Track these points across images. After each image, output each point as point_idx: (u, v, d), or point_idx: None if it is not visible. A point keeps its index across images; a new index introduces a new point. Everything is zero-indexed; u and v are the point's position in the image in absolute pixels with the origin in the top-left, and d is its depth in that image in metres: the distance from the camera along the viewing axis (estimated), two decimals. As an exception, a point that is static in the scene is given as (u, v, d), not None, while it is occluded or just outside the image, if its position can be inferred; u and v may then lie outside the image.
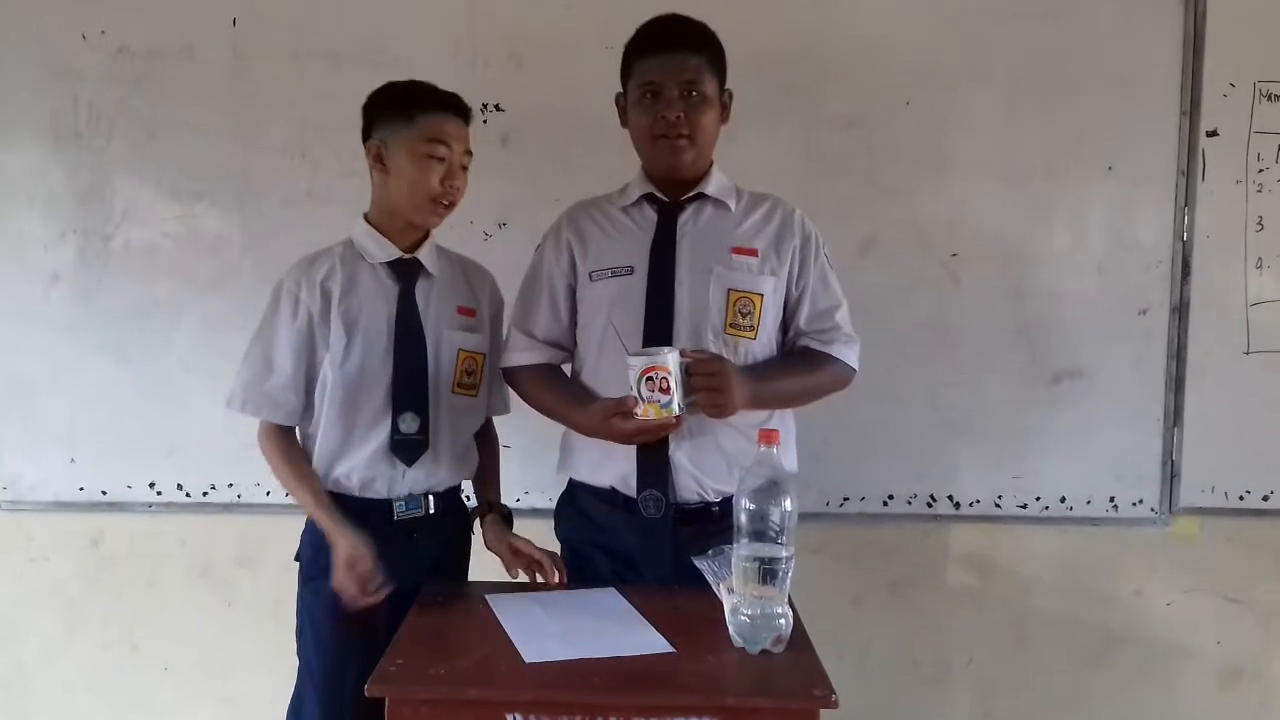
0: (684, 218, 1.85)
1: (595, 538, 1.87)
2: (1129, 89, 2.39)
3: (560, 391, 1.87)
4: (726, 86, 1.83)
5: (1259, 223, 2.42)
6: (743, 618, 1.47)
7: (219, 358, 2.31)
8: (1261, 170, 2.41)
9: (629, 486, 1.80)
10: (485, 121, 2.33)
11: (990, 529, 2.50)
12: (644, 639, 1.52)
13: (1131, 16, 2.38)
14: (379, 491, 1.80)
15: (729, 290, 1.80)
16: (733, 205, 1.87)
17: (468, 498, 1.97)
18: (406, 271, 1.84)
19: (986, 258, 2.41)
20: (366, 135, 1.83)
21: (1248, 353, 2.45)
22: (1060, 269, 2.42)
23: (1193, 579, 2.54)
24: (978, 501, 2.47)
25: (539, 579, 1.81)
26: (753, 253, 1.82)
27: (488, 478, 1.98)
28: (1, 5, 2.36)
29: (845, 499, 2.46)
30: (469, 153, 1.82)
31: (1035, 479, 2.46)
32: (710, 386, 1.67)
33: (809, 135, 2.38)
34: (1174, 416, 2.46)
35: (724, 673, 1.43)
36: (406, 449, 1.80)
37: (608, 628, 1.56)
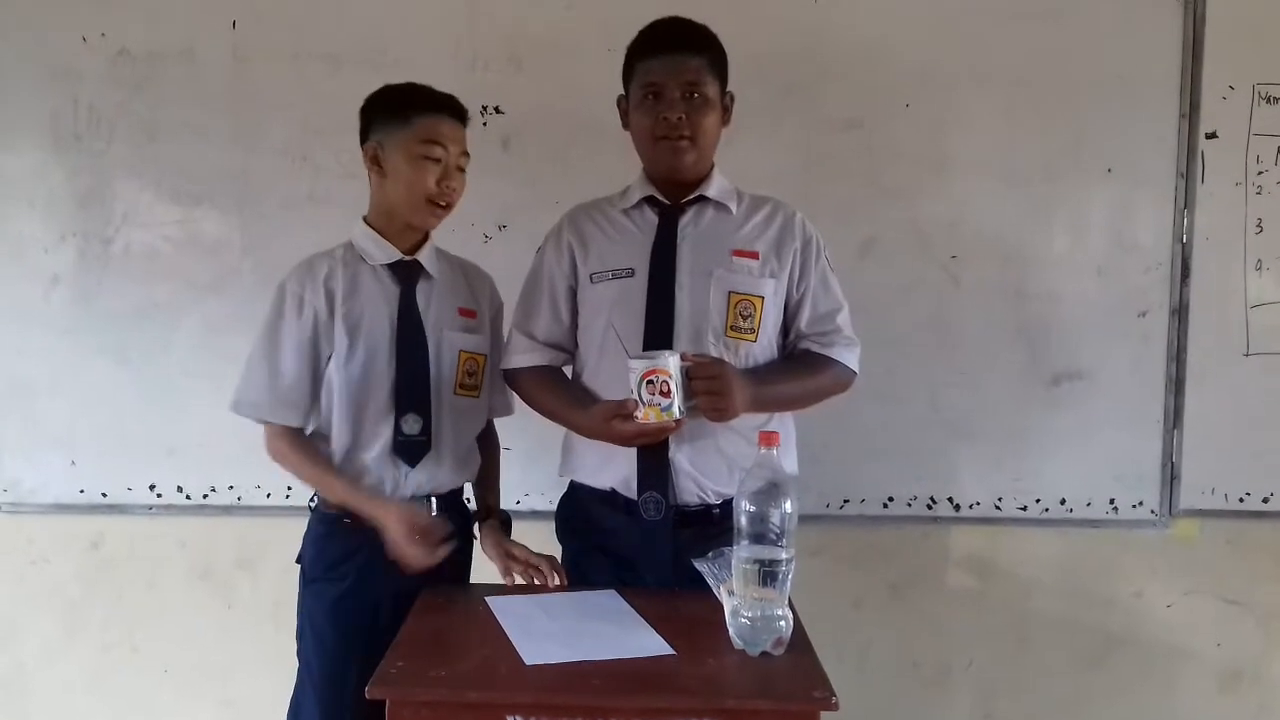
0: (685, 220, 1.85)
1: (596, 540, 1.87)
2: (1128, 91, 2.39)
3: (561, 393, 1.87)
4: (728, 89, 1.83)
5: (1258, 225, 2.42)
6: (743, 620, 1.47)
7: (219, 360, 2.32)
8: (1261, 172, 2.41)
9: (630, 489, 1.80)
10: (485, 124, 2.33)
11: (990, 531, 2.50)
12: (644, 641, 1.52)
13: (1131, 18, 2.39)
14: (383, 494, 1.80)
15: (730, 293, 1.80)
16: (734, 208, 1.87)
17: (468, 500, 1.97)
18: (407, 274, 1.84)
19: (986, 259, 2.42)
20: (364, 138, 1.84)
21: (1247, 355, 2.45)
22: (1060, 271, 2.42)
23: (1193, 581, 2.54)
24: (978, 503, 2.47)
25: (537, 583, 1.81)
26: (753, 255, 1.82)
27: (488, 483, 1.98)
28: (2, 7, 2.36)
29: (845, 501, 2.46)
30: (466, 154, 1.82)
31: (1035, 481, 2.46)
32: (711, 390, 1.67)
33: (809, 137, 2.39)
34: (1174, 418, 2.46)
35: (724, 675, 1.43)
36: (409, 450, 1.80)
37: (608, 630, 1.56)
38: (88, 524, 2.48)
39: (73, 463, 2.44)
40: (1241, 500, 2.47)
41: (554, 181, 2.29)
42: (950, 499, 2.46)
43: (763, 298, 1.81)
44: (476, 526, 1.93)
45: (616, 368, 1.73)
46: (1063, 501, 2.47)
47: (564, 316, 1.89)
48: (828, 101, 2.38)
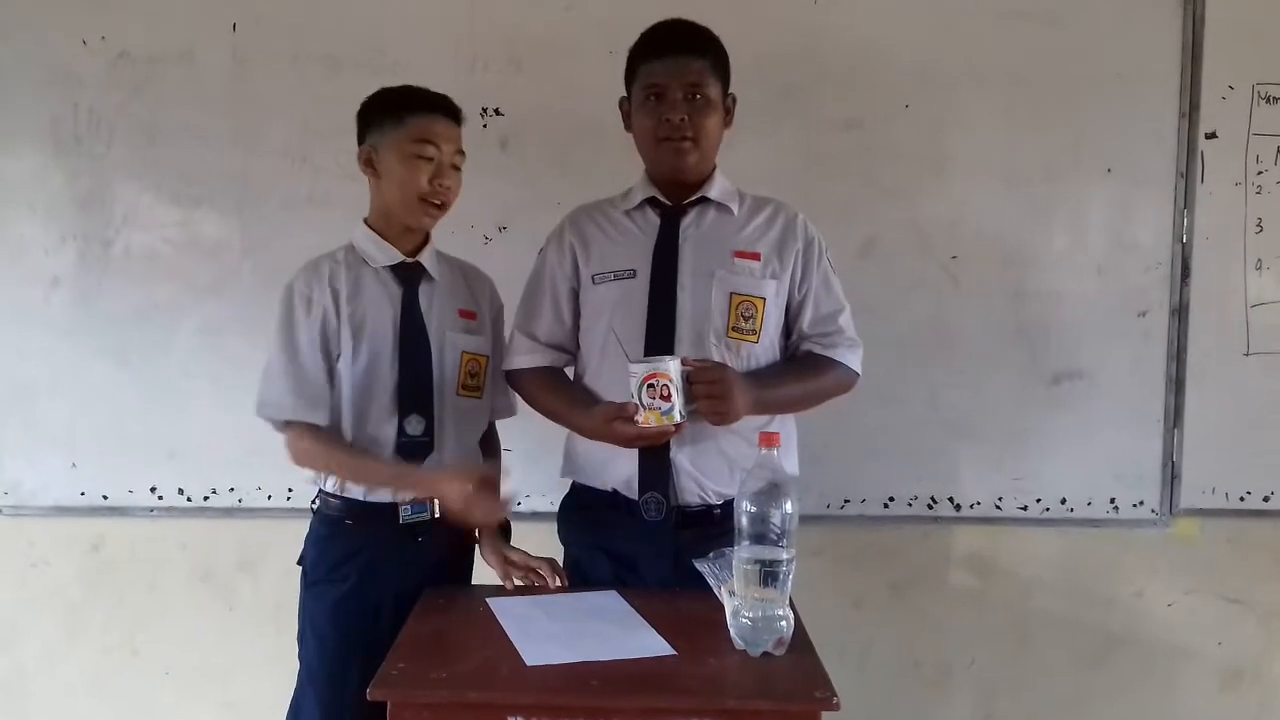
0: (686, 221, 1.85)
1: (597, 540, 1.87)
2: (1128, 91, 2.39)
3: (562, 394, 1.87)
4: (730, 91, 1.84)
5: (1258, 224, 2.42)
6: (744, 620, 1.47)
7: (219, 362, 2.33)
8: (1260, 172, 2.42)
9: (631, 489, 1.80)
10: (485, 125, 2.33)
11: (991, 530, 2.50)
12: (645, 641, 1.52)
13: (1131, 19, 2.39)
14: (385, 495, 1.80)
15: (731, 294, 1.80)
16: (735, 209, 1.87)
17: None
18: (409, 275, 1.84)
19: (986, 259, 2.42)
20: (361, 142, 1.84)
21: (1247, 354, 2.45)
22: (1060, 270, 2.43)
23: (1193, 580, 2.54)
24: (978, 503, 2.47)
25: (537, 584, 1.81)
26: (755, 257, 1.83)
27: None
28: (2, 10, 2.37)
29: (846, 501, 2.46)
30: (461, 153, 1.82)
31: (1035, 480, 2.46)
32: (712, 394, 1.67)
33: (809, 137, 2.39)
34: (1174, 418, 2.46)
35: (725, 675, 1.43)
36: (413, 451, 1.80)
37: (609, 630, 1.56)
38: (88, 526, 2.49)
39: (73, 465, 2.44)
40: (1242, 499, 2.47)
41: (554, 183, 2.30)
42: (951, 499, 2.46)
43: (764, 299, 1.81)
44: (476, 532, 1.92)
45: (618, 369, 1.73)
46: (1063, 501, 2.47)
47: (566, 317, 1.90)
48: (827, 102, 2.38)
